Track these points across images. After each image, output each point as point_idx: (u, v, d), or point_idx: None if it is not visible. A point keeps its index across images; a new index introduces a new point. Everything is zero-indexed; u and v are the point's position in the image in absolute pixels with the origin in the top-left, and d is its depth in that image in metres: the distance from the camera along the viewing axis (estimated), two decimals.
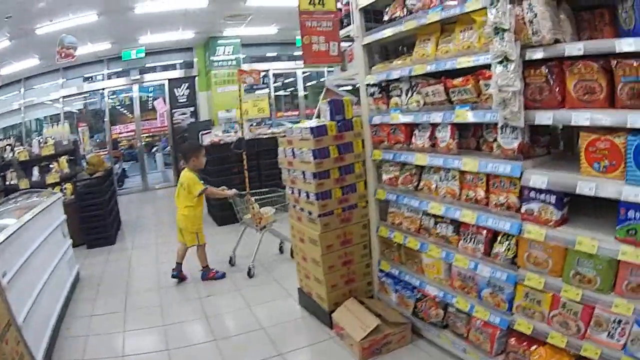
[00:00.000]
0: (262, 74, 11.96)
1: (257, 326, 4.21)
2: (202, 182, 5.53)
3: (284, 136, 4.27)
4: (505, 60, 2.52)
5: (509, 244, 2.81)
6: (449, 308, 3.38)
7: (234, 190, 5.80)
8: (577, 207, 2.58)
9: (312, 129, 3.78)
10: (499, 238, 2.90)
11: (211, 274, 5.54)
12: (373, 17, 3.91)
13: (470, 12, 2.81)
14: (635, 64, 2.18)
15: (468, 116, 2.90)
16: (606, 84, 2.32)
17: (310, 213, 3.97)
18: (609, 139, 2.28)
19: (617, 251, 2.24)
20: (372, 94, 3.87)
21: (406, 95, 3.51)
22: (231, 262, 5.99)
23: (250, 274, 5.48)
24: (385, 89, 3.79)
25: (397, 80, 3.61)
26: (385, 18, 3.67)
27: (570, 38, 2.47)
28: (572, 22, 2.52)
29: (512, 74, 2.50)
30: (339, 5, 4.18)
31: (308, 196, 3.94)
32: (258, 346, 3.82)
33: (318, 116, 4.48)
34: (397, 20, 3.49)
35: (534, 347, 2.71)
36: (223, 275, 5.56)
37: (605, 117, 2.25)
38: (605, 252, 2.29)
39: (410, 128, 3.55)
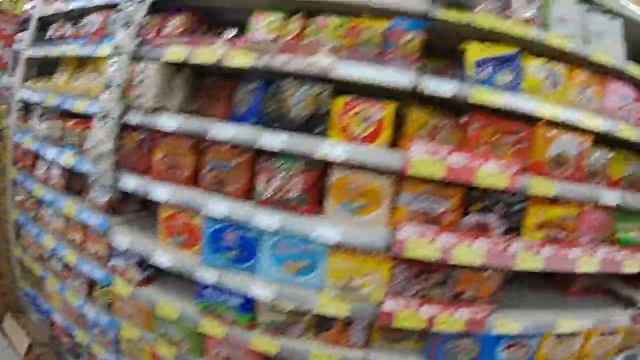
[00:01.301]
0: None
1: None
2: None
3: None
4: (106, 116, 2.37)
5: (107, 291, 2.68)
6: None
7: None
8: None
9: None
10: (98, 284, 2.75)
11: None
12: None
13: (100, 57, 2.61)
14: (225, 150, 2.18)
15: (72, 161, 2.70)
16: (193, 163, 2.30)
17: None
18: (188, 217, 2.26)
19: (198, 322, 2.24)
20: (18, 110, 3.47)
21: (39, 121, 3.18)
22: None
23: None
24: (27, 108, 3.43)
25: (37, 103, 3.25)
26: (49, 35, 3.28)
27: (178, 106, 2.37)
28: (188, 90, 2.43)
29: (108, 133, 2.36)
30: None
31: None
32: None
33: None
34: (53, 41, 3.17)
35: None
36: None
37: (184, 197, 2.22)
38: (187, 322, 2.28)
39: (36, 155, 3.25)
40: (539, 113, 2.08)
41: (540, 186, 2.10)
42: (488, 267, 2.09)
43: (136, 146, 2.40)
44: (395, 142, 2.13)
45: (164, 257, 2.29)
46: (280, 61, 2.04)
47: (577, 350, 2.36)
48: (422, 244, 1.99)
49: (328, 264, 2.07)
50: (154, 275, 2.52)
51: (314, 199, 2.14)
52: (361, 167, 2.04)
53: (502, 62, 2.09)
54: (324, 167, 2.12)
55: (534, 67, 2.12)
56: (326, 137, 2.08)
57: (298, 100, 2.08)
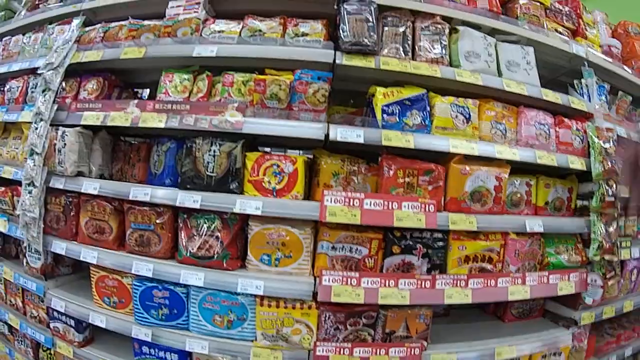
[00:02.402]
0: None
1: None
2: None
3: None
4: (31, 184, 2.35)
5: (49, 354, 2.65)
6: None
7: None
8: None
9: None
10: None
11: None
12: None
13: (23, 122, 2.58)
14: (148, 212, 2.18)
15: (4, 227, 2.65)
16: (117, 225, 2.30)
17: None
18: (117, 278, 2.25)
19: None
20: None
21: None
22: None
23: None
24: None
25: None
26: None
27: (98, 168, 2.41)
28: (107, 152, 2.47)
29: (34, 200, 2.34)
30: None
31: None
32: None
33: None
34: None
35: None
36: None
37: (111, 259, 2.21)
38: None
39: None
40: (452, 150, 2.09)
41: (460, 222, 2.11)
42: (415, 305, 2.09)
43: (62, 211, 2.38)
44: (311, 191, 2.14)
45: (99, 317, 2.27)
46: (191, 121, 2.05)
47: None
48: (347, 288, 2.00)
49: (256, 315, 2.06)
50: (93, 334, 2.49)
51: (237, 252, 2.14)
52: (278, 219, 2.04)
53: (410, 104, 2.10)
54: (243, 221, 2.11)
55: (443, 105, 2.13)
56: (241, 192, 2.09)
57: (211, 157, 2.09)
